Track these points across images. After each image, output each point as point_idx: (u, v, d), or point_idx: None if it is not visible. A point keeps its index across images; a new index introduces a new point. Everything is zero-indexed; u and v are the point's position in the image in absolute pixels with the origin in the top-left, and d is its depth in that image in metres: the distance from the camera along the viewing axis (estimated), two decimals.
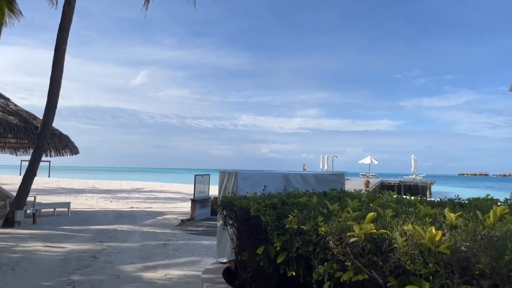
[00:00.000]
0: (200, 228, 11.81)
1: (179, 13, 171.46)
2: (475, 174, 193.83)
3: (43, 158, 15.11)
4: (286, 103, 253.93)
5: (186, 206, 19.49)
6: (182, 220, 12.65)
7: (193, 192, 13.25)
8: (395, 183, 43.25)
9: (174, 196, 26.42)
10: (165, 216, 14.50)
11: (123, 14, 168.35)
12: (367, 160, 56.87)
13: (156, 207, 18.96)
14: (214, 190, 14.72)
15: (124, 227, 12.18)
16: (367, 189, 35.43)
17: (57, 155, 15.89)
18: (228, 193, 5.29)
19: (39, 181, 38.82)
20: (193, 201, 12.86)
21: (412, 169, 49.09)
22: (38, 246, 8.52)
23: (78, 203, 19.26)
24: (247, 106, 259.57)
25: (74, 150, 15.82)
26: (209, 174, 13.71)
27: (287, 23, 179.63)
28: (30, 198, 13.41)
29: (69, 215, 14.35)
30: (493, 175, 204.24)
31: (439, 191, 53.96)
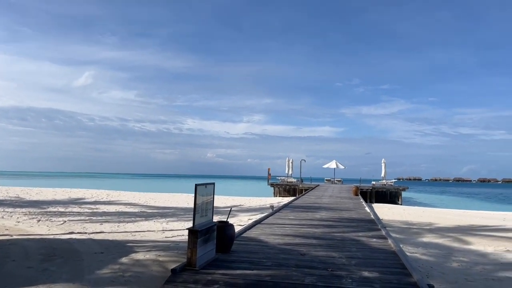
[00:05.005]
0: None
1: (120, 12, 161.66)
2: (410, 179, 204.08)
3: None
4: (232, 108, 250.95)
5: (156, 228, 13.32)
6: (173, 271, 6.66)
7: (192, 215, 7.27)
8: (367, 189, 39.70)
9: (129, 210, 19.87)
10: (134, 256, 8.33)
11: (60, 10, 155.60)
12: (332, 165, 53.48)
13: (110, 230, 12.62)
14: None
15: None
16: (356, 196, 30.88)
17: None
18: None
19: None
20: (193, 232, 6.93)
21: (382, 174, 46.26)
22: None
23: None
24: (192, 110, 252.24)
25: None
26: (213, 183, 7.86)
27: (233, 28, 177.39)
28: None
29: None
30: (426, 179, 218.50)
31: (409, 197, 51.38)
